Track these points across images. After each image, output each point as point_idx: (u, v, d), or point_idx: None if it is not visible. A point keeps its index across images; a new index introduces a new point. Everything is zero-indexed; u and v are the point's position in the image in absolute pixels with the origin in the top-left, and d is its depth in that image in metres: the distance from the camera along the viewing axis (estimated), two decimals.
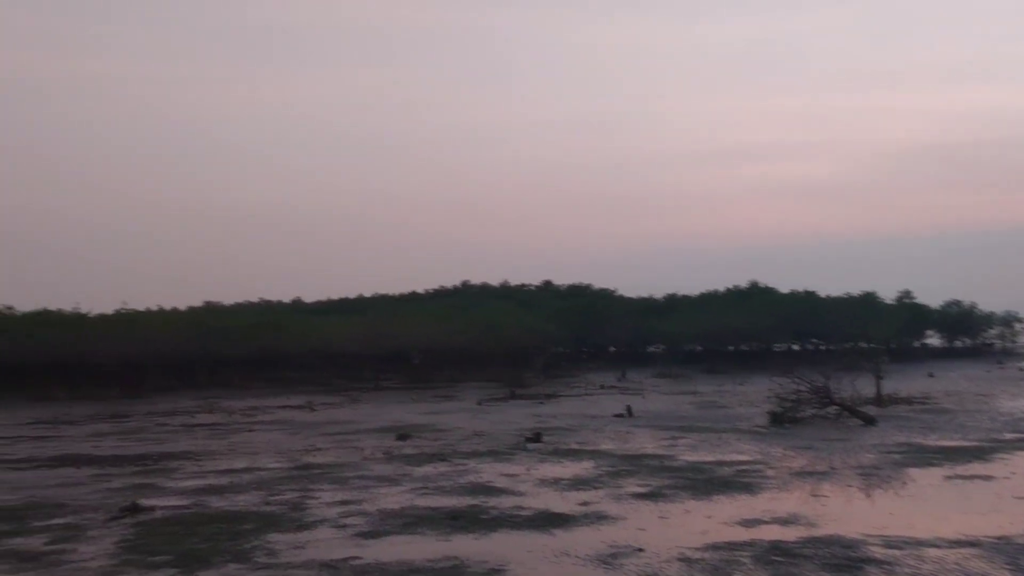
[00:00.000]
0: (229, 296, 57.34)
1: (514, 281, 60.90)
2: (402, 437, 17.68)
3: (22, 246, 74.32)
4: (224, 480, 12.53)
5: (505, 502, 10.39)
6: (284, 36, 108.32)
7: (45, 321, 36.77)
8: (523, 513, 9.70)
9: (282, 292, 63.29)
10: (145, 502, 10.48)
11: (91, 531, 9.15)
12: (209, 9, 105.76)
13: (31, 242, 74.62)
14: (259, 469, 13.66)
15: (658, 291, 60.99)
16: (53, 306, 39.43)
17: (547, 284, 61.23)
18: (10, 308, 39.01)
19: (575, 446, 15.85)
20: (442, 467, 13.46)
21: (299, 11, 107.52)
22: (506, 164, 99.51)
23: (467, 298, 55.40)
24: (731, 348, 54.85)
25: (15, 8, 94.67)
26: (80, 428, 21.78)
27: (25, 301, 41.67)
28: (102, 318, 39.30)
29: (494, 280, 60.55)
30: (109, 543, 8.56)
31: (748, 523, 9.07)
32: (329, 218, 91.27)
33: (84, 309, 39.69)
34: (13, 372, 32.90)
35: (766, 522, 9.13)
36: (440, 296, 58.66)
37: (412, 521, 9.40)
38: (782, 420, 19.23)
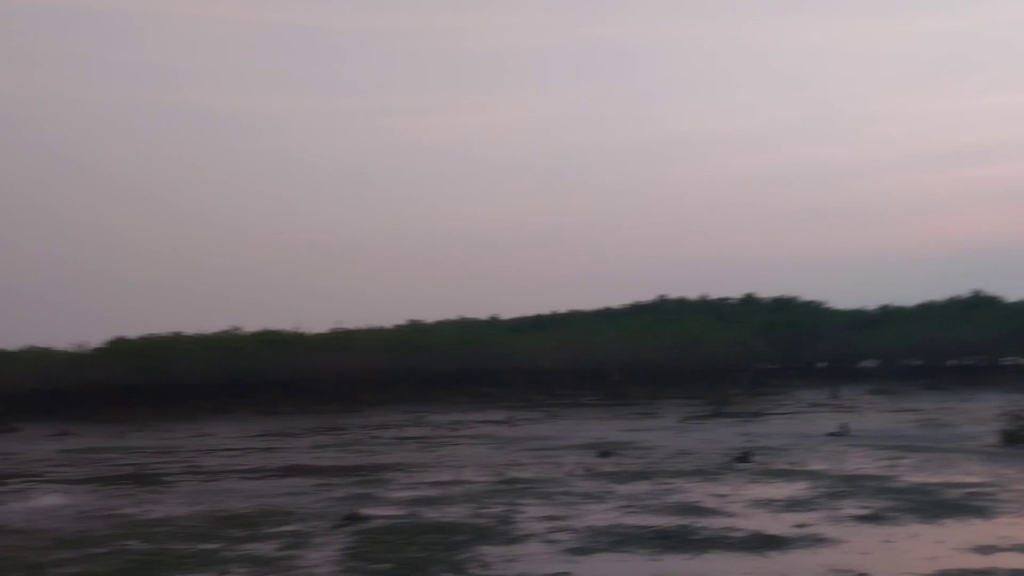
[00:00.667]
0: (430, 314, 59.18)
1: (713, 295, 59.41)
2: (604, 454, 17.63)
3: (246, 271, 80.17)
4: (435, 492, 12.93)
5: (716, 523, 10.11)
6: (482, 61, 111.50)
7: (269, 340, 39.47)
8: (735, 534, 9.39)
9: (479, 309, 64.64)
10: (364, 511, 10.97)
11: (316, 538, 9.68)
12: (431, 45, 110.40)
13: (254, 267, 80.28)
14: (467, 482, 14.00)
15: (869, 303, 57.68)
16: (276, 326, 42.21)
17: (749, 297, 59.29)
18: (238, 328, 42.10)
19: (787, 466, 15.22)
20: (647, 485, 13.28)
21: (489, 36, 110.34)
22: (699, 176, 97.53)
23: (664, 313, 54.59)
24: (953, 362, 51.11)
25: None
26: (303, 440, 23.14)
27: (251, 321, 44.76)
28: (319, 336, 41.66)
29: (692, 294, 59.29)
30: (333, 550, 9.02)
31: (983, 550, 8.38)
32: (521, 237, 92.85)
33: (303, 328, 42.20)
34: (243, 388, 35.58)
35: (1004, 549, 8.40)
36: (636, 311, 58.04)
37: (620, 539, 9.33)
38: (1017, 439, 17.68)
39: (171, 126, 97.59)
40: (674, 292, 59.81)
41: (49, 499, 13.76)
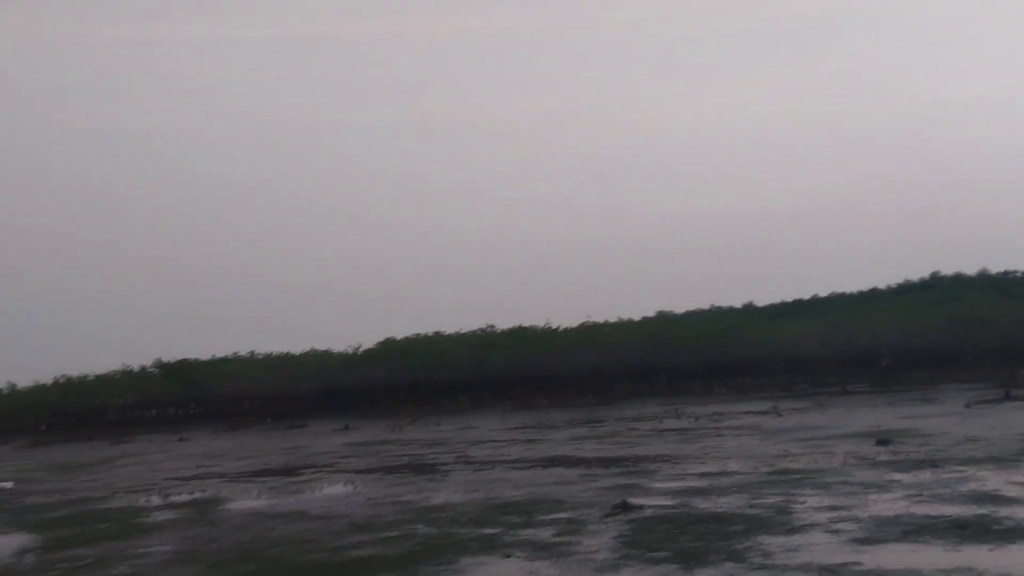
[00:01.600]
0: (679, 304, 58.38)
1: (994, 268, 54.20)
2: (882, 442, 16.54)
3: (499, 271, 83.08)
4: (703, 483, 12.66)
5: (1020, 512, 9.16)
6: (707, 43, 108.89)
7: (521, 336, 40.69)
8: None
9: (732, 297, 62.97)
10: (633, 501, 10.93)
11: (590, 526, 9.75)
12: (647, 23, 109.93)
13: (506, 267, 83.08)
14: (735, 473, 13.60)
15: None
16: (527, 322, 43.41)
17: None
18: (492, 326, 43.69)
19: None
20: (933, 474, 12.29)
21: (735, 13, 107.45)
22: (972, 143, 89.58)
23: (938, 291, 50.54)
24: None
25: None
26: (561, 432, 23.55)
27: (504, 319, 46.38)
28: (569, 331, 42.37)
29: (969, 269, 54.45)
30: (608, 537, 9.04)
31: None
32: (772, 219, 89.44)
33: (554, 324, 43.10)
34: (500, 382, 36.92)
35: None
36: (905, 290, 54.19)
37: (911, 529, 8.66)
38: None
39: (425, 138, 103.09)
40: (947, 268, 55.37)
41: (340, 487, 14.88)
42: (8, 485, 18.91)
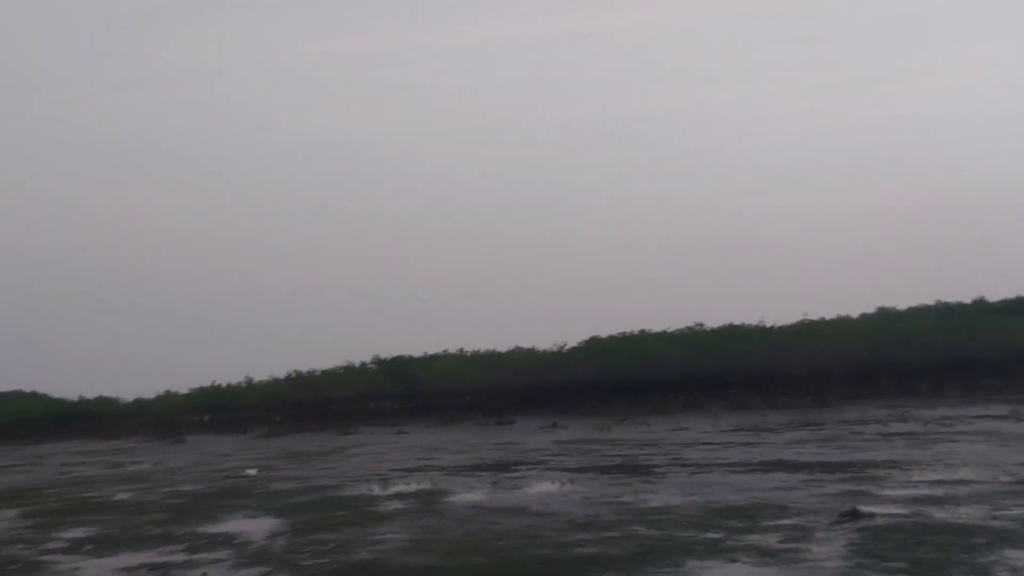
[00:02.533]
0: (901, 300, 54.94)
1: None
2: None
3: (707, 267, 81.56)
4: (938, 491, 11.97)
5: None
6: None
7: (733, 335, 39.75)
8: None
9: (960, 292, 58.65)
10: (863, 508, 10.51)
11: (817, 533, 9.47)
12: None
13: (714, 262, 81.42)
14: (972, 481, 12.75)
15: None
16: (739, 320, 42.34)
17: None
18: (700, 324, 42.94)
19: None
20: None
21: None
22: None
23: None
24: None
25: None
26: (779, 435, 22.86)
27: (714, 317, 45.45)
28: (783, 329, 40.98)
29: None
30: (838, 545, 8.75)
31: None
32: (1007, 209, 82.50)
33: (767, 321, 41.80)
34: (711, 382, 36.25)
35: None
36: None
37: None
38: None
39: (625, 132, 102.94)
40: None
41: (555, 485, 15.19)
42: (253, 472, 20.59)
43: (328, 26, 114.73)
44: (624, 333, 40.89)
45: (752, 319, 41.85)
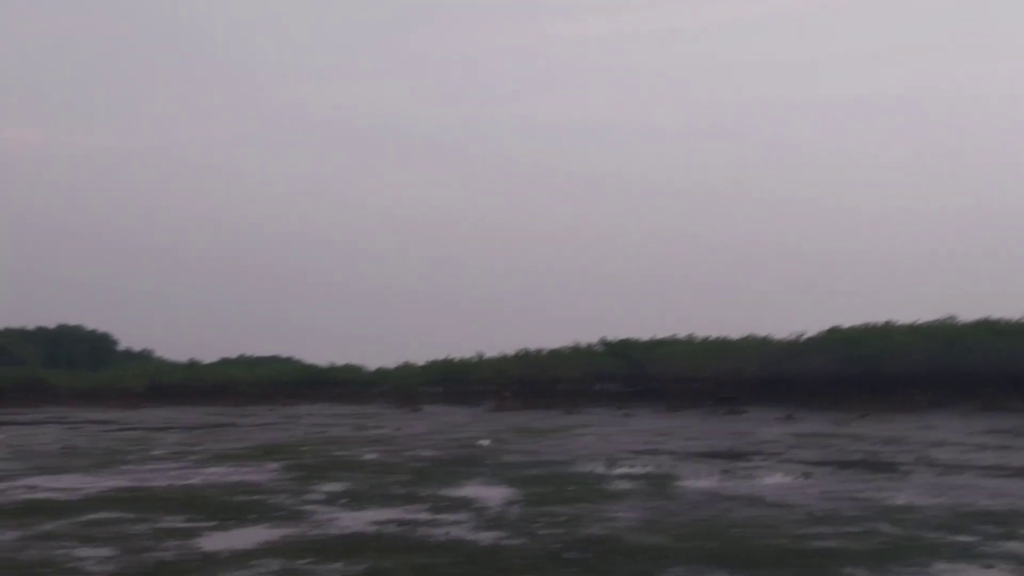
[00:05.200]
0: None
1: None
2: None
3: (966, 257, 75.47)
4: None
5: None
6: None
7: (991, 330, 36.64)
8: None
9: None
10: None
11: None
12: None
13: (970, 252, 75.18)
14: None
15: None
16: (998, 314, 38.95)
17: None
18: (952, 317, 39.88)
19: None
20: None
21: None
22: None
23: None
24: None
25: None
26: None
27: (968, 311, 41.92)
28: None
29: None
30: None
31: None
32: None
33: None
34: (963, 380, 33.59)
35: None
36: None
37: None
38: None
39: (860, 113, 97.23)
40: None
41: (791, 477, 14.75)
42: (486, 443, 21.44)
43: (574, 8, 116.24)
44: (867, 324, 38.68)
45: (1014, 313, 38.35)
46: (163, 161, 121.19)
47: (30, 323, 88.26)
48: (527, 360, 48.81)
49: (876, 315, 40.77)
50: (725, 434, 24.59)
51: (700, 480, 14.41)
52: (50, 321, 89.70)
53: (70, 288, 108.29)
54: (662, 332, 46.80)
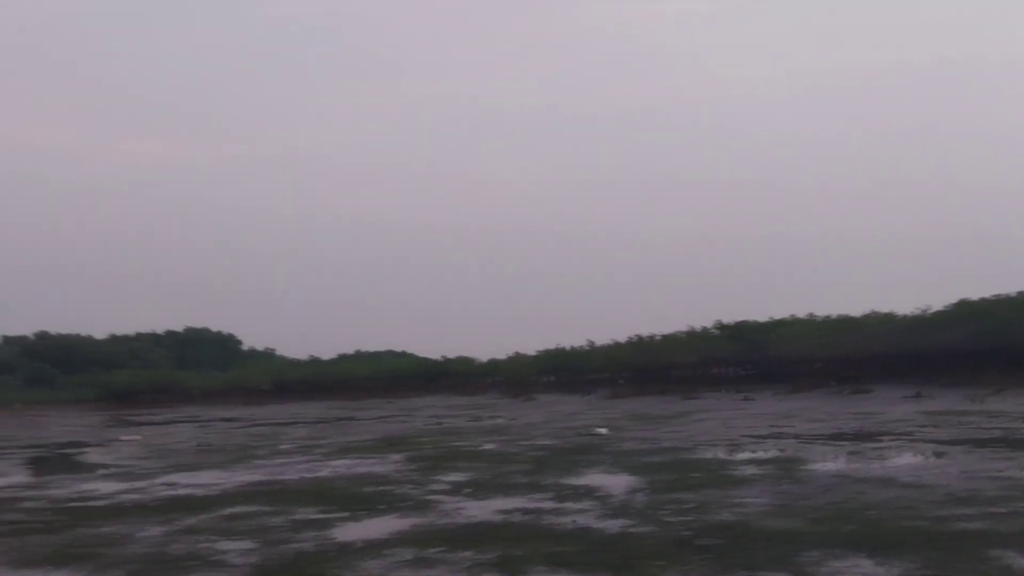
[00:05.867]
0: None
1: None
2: None
3: None
4: None
5: None
6: None
7: None
8: None
9: None
10: None
11: None
12: None
13: None
14: None
15: None
16: None
17: None
18: None
19: None
20: None
21: None
22: None
23: None
24: None
25: None
26: None
27: None
28: None
29: None
30: None
31: None
32: None
33: None
34: None
35: None
36: None
37: None
38: None
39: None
40: None
41: (924, 457, 14.18)
42: (604, 431, 21.35)
43: None
44: (1000, 295, 36.76)
45: None
46: (282, 166, 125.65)
47: (160, 327, 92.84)
48: (640, 346, 48.43)
49: (1008, 285, 38.70)
50: (851, 414, 23.83)
51: (829, 463, 13.98)
52: (179, 324, 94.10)
53: (196, 292, 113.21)
54: (779, 312, 45.74)
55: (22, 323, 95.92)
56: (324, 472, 15.57)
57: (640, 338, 49.30)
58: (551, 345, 54.63)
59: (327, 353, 73.64)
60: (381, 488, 13.03)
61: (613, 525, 9.40)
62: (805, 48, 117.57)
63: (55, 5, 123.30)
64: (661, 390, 40.25)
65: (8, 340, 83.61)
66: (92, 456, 22.26)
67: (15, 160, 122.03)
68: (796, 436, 18.61)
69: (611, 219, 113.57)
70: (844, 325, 41.06)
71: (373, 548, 8.59)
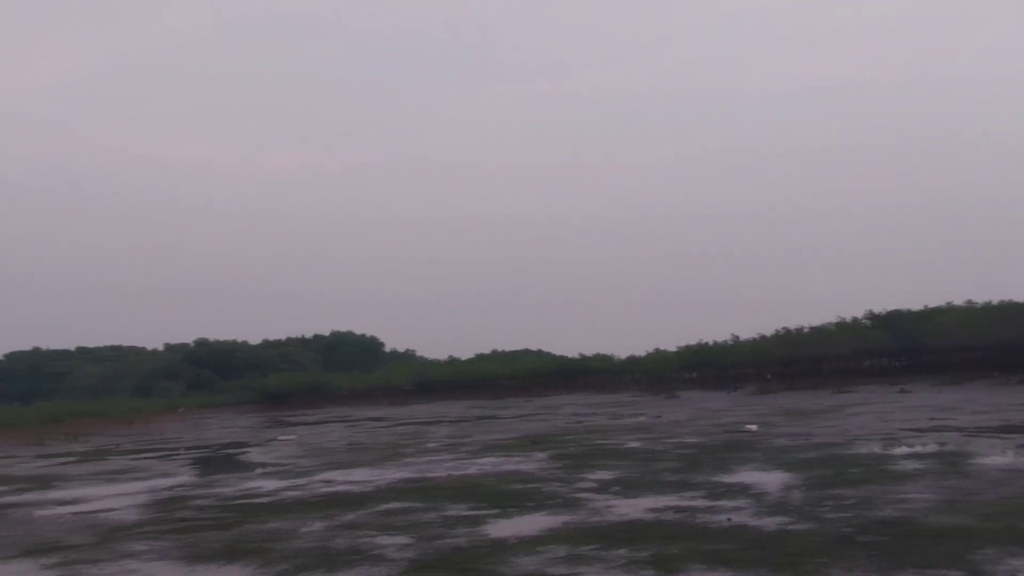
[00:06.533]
0: None
1: None
2: None
3: None
4: None
5: None
6: None
7: None
8: None
9: None
10: None
11: None
12: None
13: None
14: None
15: None
16: None
17: None
18: None
19: None
20: None
21: None
22: None
23: None
24: None
25: None
26: None
27: None
28: None
29: None
30: None
31: None
32: None
33: None
34: None
35: None
36: None
37: None
38: None
39: None
40: None
41: None
42: (753, 427, 20.81)
43: None
44: None
45: None
46: (411, 170, 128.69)
47: (308, 332, 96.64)
48: (788, 339, 46.98)
49: None
50: (1020, 406, 22.40)
51: (997, 456, 13.19)
52: (324, 328, 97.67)
53: (339, 297, 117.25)
54: (933, 301, 43.54)
55: (183, 332, 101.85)
56: (471, 470, 15.79)
57: (787, 331, 47.81)
58: (692, 341, 53.70)
59: (465, 353, 74.74)
60: (529, 486, 13.10)
61: (770, 523, 9.14)
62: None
63: (191, 27, 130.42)
64: (811, 384, 38.90)
65: (170, 348, 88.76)
66: (253, 455, 23.34)
67: (166, 178, 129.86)
68: (959, 429, 17.64)
69: (750, 206, 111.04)
70: (1007, 311, 38.59)
71: (526, 545, 8.64)
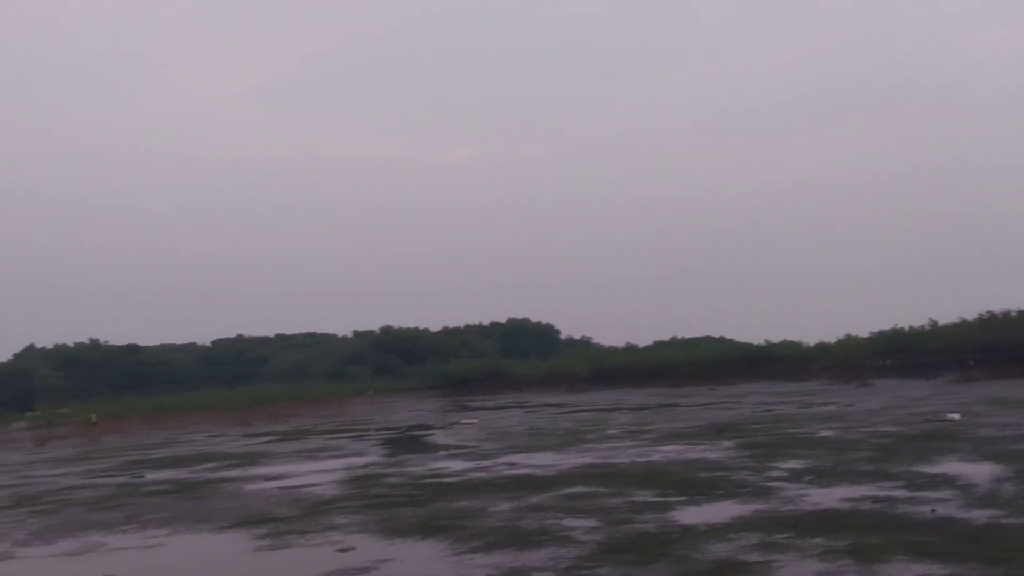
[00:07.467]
0: None
1: None
2: None
3: None
4: None
5: None
6: None
7: None
8: None
9: None
10: None
11: None
12: None
13: None
14: None
15: None
16: None
17: None
18: None
19: None
20: None
21: None
22: None
23: None
24: None
25: None
26: None
27: None
28: None
29: None
30: None
31: None
32: None
33: None
34: None
35: None
36: None
37: None
38: None
39: None
40: None
41: None
42: (956, 417, 19.55)
43: None
44: None
45: None
46: (582, 159, 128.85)
47: (485, 319, 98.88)
48: (993, 324, 43.72)
49: None
50: None
51: None
52: (502, 316, 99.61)
53: (516, 285, 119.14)
54: None
55: (370, 319, 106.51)
56: (655, 457, 15.66)
57: (992, 315, 44.45)
58: (885, 326, 51.01)
59: (642, 340, 74.20)
60: (716, 473, 12.85)
61: (980, 515, 8.56)
62: None
63: (376, 30, 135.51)
64: (1020, 372, 36.12)
65: (358, 335, 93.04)
66: (437, 437, 24.12)
67: (352, 172, 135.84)
68: None
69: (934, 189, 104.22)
70: None
71: (717, 531, 8.48)
